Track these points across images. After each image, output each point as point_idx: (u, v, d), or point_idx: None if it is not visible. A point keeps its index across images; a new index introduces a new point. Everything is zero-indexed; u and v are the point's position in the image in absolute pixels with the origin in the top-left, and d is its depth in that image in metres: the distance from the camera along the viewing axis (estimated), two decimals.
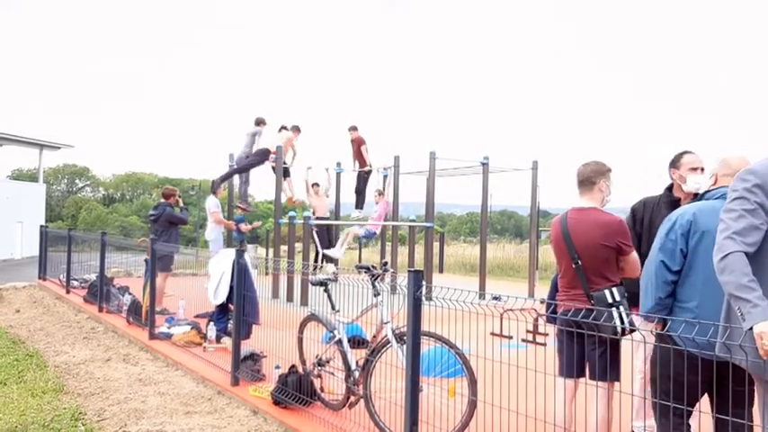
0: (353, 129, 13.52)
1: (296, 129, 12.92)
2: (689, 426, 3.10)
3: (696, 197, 3.31)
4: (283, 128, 12.82)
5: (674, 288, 3.10)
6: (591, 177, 3.82)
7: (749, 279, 2.47)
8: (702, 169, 4.00)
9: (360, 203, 13.98)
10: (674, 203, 3.98)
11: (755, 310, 2.41)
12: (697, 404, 3.10)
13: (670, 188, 4.18)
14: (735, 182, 2.67)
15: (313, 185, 13.73)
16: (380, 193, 13.07)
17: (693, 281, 3.05)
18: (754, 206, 2.57)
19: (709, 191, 3.22)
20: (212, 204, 11.24)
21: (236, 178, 12.77)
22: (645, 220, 4.14)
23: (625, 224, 3.78)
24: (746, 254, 2.53)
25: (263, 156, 11.80)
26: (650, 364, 3.28)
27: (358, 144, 13.43)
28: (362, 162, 13.51)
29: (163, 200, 10.10)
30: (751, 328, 2.42)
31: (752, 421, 2.96)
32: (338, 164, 14.32)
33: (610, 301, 3.57)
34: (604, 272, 3.68)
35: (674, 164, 4.13)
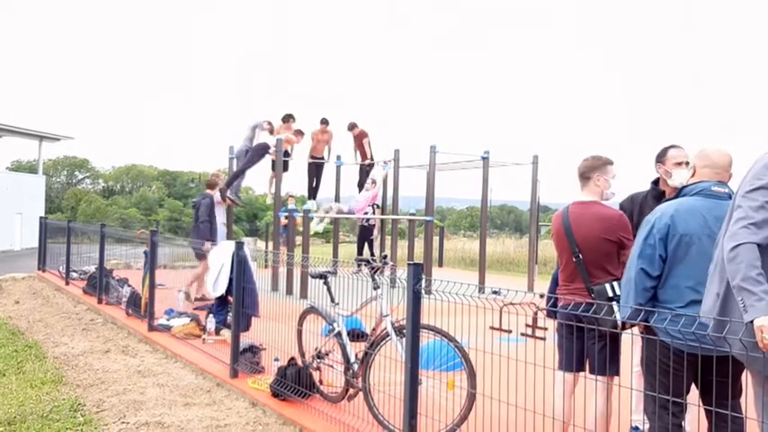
0: (354, 126, 13.41)
1: (299, 132, 12.78)
2: (681, 426, 3.10)
3: (677, 193, 3.28)
4: (289, 116, 12.72)
5: (654, 293, 3.11)
6: (585, 173, 3.83)
7: (758, 272, 2.43)
8: (687, 163, 4.00)
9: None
10: (661, 196, 3.98)
11: (759, 304, 2.38)
12: (688, 398, 3.11)
13: (656, 182, 4.17)
14: (762, 169, 2.59)
15: (322, 121, 13.46)
16: (374, 182, 13.00)
17: (675, 283, 3.05)
18: None
19: (687, 185, 3.20)
20: (215, 196, 11.47)
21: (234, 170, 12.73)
22: (634, 215, 4.12)
23: (626, 218, 3.78)
24: (759, 246, 2.48)
25: (262, 151, 11.77)
26: (640, 363, 3.29)
27: (360, 138, 13.36)
28: (364, 155, 13.45)
29: (208, 190, 10.15)
30: (751, 322, 2.40)
31: (740, 412, 2.97)
32: (338, 157, 14.28)
33: (610, 294, 3.57)
34: (606, 266, 3.67)
35: (660, 158, 4.10)
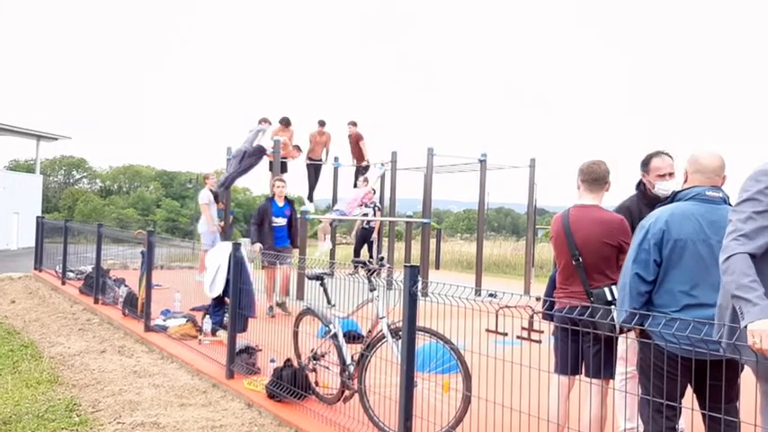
0: (352, 124, 13.40)
1: (297, 148, 12.65)
2: (675, 429, 3.11)
3: (671, 197, 3.30)
4: (287, 121, 12.64)
5: (648, 297, 3.14)
6: (605, 177, 3.86)
7: (750, 279, 2.49)
8: (671, 174, 4.00)
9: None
10: (653, 204, 3.97)
11: (754, 309, 2.43)
12: (683, 401, 3.13)
13: (639, 185, 4.19)
14: (747, 182, 2.65)
15: (319, 123, 13.37)
16: (366, 181, 12.95)
17: (670, 288, 3.08)
18: (766, 208, 2.56)
19: (681, 190, 3.23)
20: (204, 197, 11.76)
21: (230, 169, 12.71)
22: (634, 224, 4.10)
23: (626, 223, 3.78)
24: (753, 255, 2.53)
25: (260, 154, 11.77)
26: (637, 367, 3.30)
27: (356, 139, 13.35)
28: (360, 158, 13.44)
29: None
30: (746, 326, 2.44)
31: (736, 416, 2.99)
32: (336, 159, 14.29)
33: (609, 298, 3.58)
34: (605, 269, 3.69)
35: (645, 166, 4.11)
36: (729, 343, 2.54)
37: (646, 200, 4.09)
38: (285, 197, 9.12)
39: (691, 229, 3.06)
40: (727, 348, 2.65)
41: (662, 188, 3.98)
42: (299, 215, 11.34)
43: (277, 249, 8.60)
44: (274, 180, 9.33)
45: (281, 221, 8.93)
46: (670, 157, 4.12)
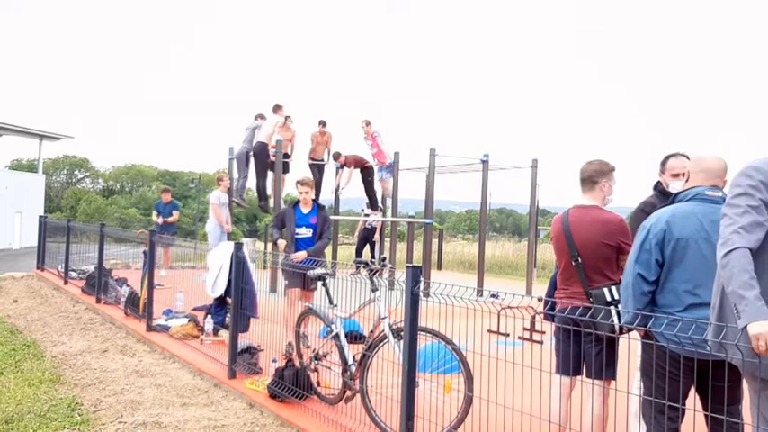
0: (338, 155, 13.30)
1: (278, 107, 12.40)
2: (678, 431, 3.10)
3: (671, 199, 3.30)
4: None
5: (651, 297, 3.13)
6: (593, 177, 3.83)
7: (750, 276, 2.45)
8: (685, 175, 4.03)
9: (374, 205, 13.81)
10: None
11: (750, 308, 2.41)
12: (687, 402, 3.12)
13: (656, 186, 4.22)
14: (738, 177, 2.64)
15: (320, 123, 13.31)
16: (368, 124, 12.93)
17: (673, 287, 3.07)
18: (759, 203, 2.55)
19: (680, 192, 3.23)
20: (214, 197, 12.00)
21: (234, 172, 12.76)
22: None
23: (626, 223, 3.78)
24: (750, 250, 2.50)
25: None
26: (639, 367, 3.30)
27: (357, 163, 13.25)
28: (366, 168, 13.34)
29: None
30: (745, 327, 2.42)
31: (739, 417, 2.98)
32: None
33: (608, 299, 3.58)
34: (604, 270, 3.68)
35: (662, 167, 4.19)
36: (731, 344, 2.53)
37: (666, 197, 4.12)
38: (313, 201, 7.21)
39: (692, 228, 3.05)
40: (715, 348, 2.63)
41: (675, 188, 3.99)
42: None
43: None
44: (296, 184, 7.41)
45: (305, 232, 6.99)
46: (687, 158, 4.14)
